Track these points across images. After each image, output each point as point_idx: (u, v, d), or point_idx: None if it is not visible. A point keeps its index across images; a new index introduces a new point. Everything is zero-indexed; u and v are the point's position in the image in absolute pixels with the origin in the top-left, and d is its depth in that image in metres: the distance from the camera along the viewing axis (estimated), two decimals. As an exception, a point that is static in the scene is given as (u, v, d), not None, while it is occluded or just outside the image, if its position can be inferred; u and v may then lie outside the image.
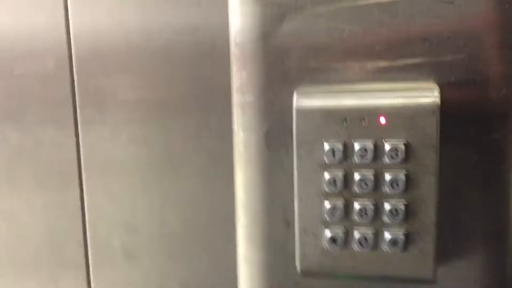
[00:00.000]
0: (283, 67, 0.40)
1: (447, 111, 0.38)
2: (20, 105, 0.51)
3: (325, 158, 0.39)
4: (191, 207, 0.50)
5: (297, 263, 0.41)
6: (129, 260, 0.52)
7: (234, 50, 0.42)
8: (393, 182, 0.38)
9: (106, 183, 0.51)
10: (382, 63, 0.39)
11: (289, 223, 0.42)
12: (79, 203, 0.52)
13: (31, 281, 0.55)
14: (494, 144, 0.39)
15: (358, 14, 0.38)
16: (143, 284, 0.52)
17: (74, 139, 0.51)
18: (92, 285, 0.54)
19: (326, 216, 0.40)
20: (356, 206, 0.39)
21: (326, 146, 0.38)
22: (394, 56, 0.39)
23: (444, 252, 0.40)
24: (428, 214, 0.38)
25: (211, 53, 0.45)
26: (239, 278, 0.47)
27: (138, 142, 0.49)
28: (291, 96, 0.39)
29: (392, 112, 0.37)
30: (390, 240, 0.39)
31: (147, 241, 0.51)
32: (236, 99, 0.43)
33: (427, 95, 0.37)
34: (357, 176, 0.38)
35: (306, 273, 0.41)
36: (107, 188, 0.51)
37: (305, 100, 0.39)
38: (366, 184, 0.38)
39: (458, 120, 0.39)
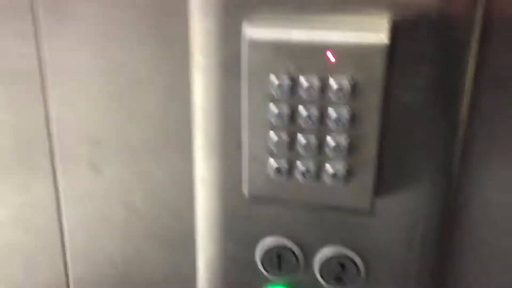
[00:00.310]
0: None
1: (399, 47, 0.38)
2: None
3: (273, 91, 0.39)
4: (151, 124, 0.51)
5: (245, 189, 0.43)
6: (95, 172, 0.54)
7: None
8: (337, 119, 0.39)
9: (70, 97, 0.52)
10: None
11: (242, 149, 0.43)
12: (43, 115, 0.53)
13: (4, 186, 0.58)
14: (446, 83, 0.39)
15: None
16: (108, 196, 0.55)
17: (35, 51, 0.51)
18: (60, 193, 0.56)
19: (272, 147, 0.41)
20: (301, 139, 0.40)
21: (274, 80, 0.39)
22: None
23: (387, 185, 0.42)
24: (370, 150, 0.39)
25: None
26: (196, 197, 0.49)
27: (100, 58, 0.50)
28: (239, 22, 0.39)
29: (341, 50, 0.37)
30: (331, 172, 0.40)
31: (111, 154, 0.53)
32: (193, 25, 0.42)
33: (377, 34, 0.36)
34: (302, 111, 0.39)
35: (253, 198, 0.44)
36: (71, 102, 0.52)
37: (255, 32, 0.38)
38: (311, 119, 0.39)
39: (411, 57, 0.39)
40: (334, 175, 0.40)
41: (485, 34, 0.39)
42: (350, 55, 0.37)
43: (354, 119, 0.39)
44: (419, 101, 0.39)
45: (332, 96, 0.38)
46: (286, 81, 0.38)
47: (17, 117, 0.54)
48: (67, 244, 0.59)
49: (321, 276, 0.46)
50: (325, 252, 0.45)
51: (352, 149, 0.40)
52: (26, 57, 0.51)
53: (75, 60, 0.50)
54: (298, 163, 0.41)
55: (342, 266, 0.45)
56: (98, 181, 0.55)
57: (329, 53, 0.37)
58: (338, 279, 0.45)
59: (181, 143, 0.50)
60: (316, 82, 0.38)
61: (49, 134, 0.54)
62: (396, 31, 0.37)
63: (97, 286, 0.60)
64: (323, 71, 0.38)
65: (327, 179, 0.41)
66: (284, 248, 0.46)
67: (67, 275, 0.60)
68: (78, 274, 0.60)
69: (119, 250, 0.57)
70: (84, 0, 0.48)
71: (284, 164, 0.41)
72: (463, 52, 0.39)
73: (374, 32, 0.37)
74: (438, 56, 0.38)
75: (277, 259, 0.46)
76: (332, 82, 0.38)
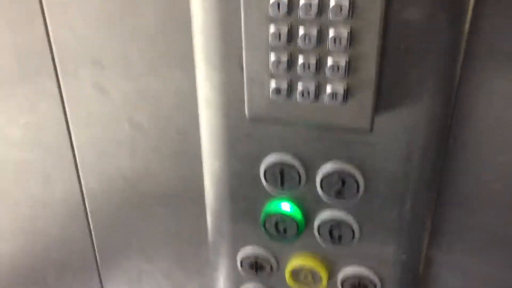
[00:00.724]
0: None
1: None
2: None
3: (271, 11, 0.38)
4: (153, 44, 0.50)
5: (246, 110, 0.44)
6: (99, 92, 0.55)
7: None
8: (336, 38, 0.38)
9: (69, 18, 0.51)
10: None
11: (243, 69, 0.43)
12: (45, 37, 0.53)
13: (12, 104, 0.59)
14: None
15: None
16: (113, 114, 0.56)
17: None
18: (67, 113, 0.57)
19: (271, 68, 0.41)
20: (300, 59, 0.40)
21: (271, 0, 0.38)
22: None
23: (386, 103, 0.42)
24: (369, 70, 0.39)
25: None
26: (200, 115, 0.50)
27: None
28: None
29: (339, -34, 0.36)
30: (331, 93, 0.40)
31: (114, 74, 0.53)
32: None
33: (376, -52, 0.35)
34: (301, 31, 0.39)
35: (253, 119, 0.44)
36: (71, 24, 0.52)
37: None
38: (310, 39, 0.39)
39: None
40: (333, 95, 0.40)
41: None
42: (349, -28, 0.36)
43: (353, 38, 0.38)
44: (419, 17, 0.38)
45: (330, 15, 0.37)
46: (284, 0, 0.37)
47: (19, 38, 0.54)
48: (78, 161, 0.61)
49: (322, 190, 0.47)
50: (326, 167, 0.46)
51: (351, 68, 0.39)
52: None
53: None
54: (298, 83, 0.41)
55: (343, 181, 0.46)
56: (103, 100, 0.55)
57: (327, -30, 0.36)
58: (338, 193, 0.47)
59: (184, 62, 0.50)
60: (314, 1, 0.37)
61: (52, 55, 0.54)
62: None
63: (110, 199, 0.63)
64: (322, -10, 0.37)
65: (326, 99, 0.41)
66: (286, 164, 0.47)
67: (81, 190, 0.63)
68: (91, 188, 0.62)
69: (128, 165, 0.59)
70: None
71: (283, 85, 0.41)
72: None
73: None
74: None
75: (280, 175, 0.48)
76: (331, 1, 0.37)
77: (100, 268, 0.69)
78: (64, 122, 0.58)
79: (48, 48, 0.53)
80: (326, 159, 0.46)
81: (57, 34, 0.52)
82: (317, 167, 0.47)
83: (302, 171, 0.47)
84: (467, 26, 0.39)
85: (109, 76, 0.53)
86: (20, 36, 0.54)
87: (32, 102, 0.58)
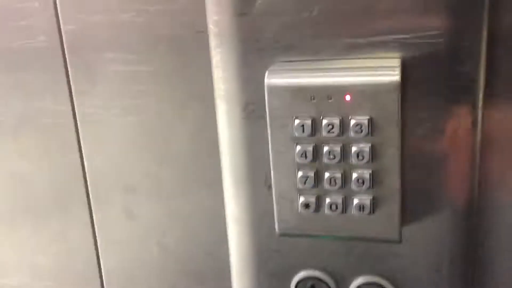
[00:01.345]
0: (257, 44, 0.42)
1: (411, 84, 0.40)
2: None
3: (296, 133, 0.41)
4: (181, 166, 0.53)
5: (276, 225, 0.45)
6: (129, 216, 0.57)
7: (211, 28, 0.44)
8: (358, 154, 0.41)
9: (104, 148, 0.55)
10: (349, 40, 0.40)
11: (270, 187, 0.46)
12: (80, 166, 0.56)
13: (43, 234, 0.61)
14: (456, 114, 0.41)
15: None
16: (142, 238, 0.57)
17: (70, 109, 0.54)
18: (98, 241, 0.59)
19: (299, 184, 0.43)
20: (326, 175, 0.42)
21: (296, 122, 0.41)
22: (361, 33, 0.40)
23: (412, 214, 0.44)
24: (393, 181, 0.41)
25: (192, 31, 0.48)
26: (228, 234, 0.51)
27: (130, 110, 0.53)
28: (263, 69, 0.42)
29: (357, 90, 0.39)
30: (358, 205, 0.42)
31: (144, 199, 0.56)
32: (216, 73, 0.45)
33: (389, 73, 0.39)
34: (325, 149, 0.41)
35: (283, 234, 0.46)
36: (105, 153, 0.55)
37: (276, 78, 0.41)
38: (334, 156, 0.41)
39: (422, 92, 0.41)
40: (361, 207, 0.42)
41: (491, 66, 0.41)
42: (366, 94, 0.39)
43: (374, 153, 0.41)
44: (433, 133, 0.41)
45: (352, 133, 0.40)
46: (308, 123, 0.41)
47: (55, 168, 0.57)
48: (105, 285, 0.61)
49: (355, 304, 0.47)
50: (357, 281, 0.47)
51: (375, 181, 0.41)
52: (61, 113, 0.54)
53: (106, 114, 0.53)
54: (325, 198, 0.43)
55: (375, 293, 0.46)
56: (132, 225, 0.57)
57: (347, 95, 0.40)
58: (372, 307, 0.47)
59: (211, 181, 0.52)
60: (336, 122, 0.40)
61: (85, 183, 0.57)
62: (407, 69, 0.40)
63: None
64: (342, 111, 0.40)
65: (354, 211, 0.43)
66: (318, 279, 0.47)
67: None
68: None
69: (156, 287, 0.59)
70: (111, 61, 0.51)
71: (311, 200, 0.43)
72: (472, 84, 0.41)
73: (386, 71, 0.39)
74: (448, 89, 0.40)
75: (311, 291, 0.48)
76: (352, 120, 0.40)
77: None
78: (93, 248, 0.59)
79: (82, 176, 0.57)
80: (357, 273, 0.46)
81: (91, 162, 0.56)
82: (348, 281, 0.47)
83: (333, 286, 0.47)
84: (478, 138, 0.42)
85: (140, 200, 0.56)
86: (56, 166, 0.57)
87: (63, 230, 0.60)
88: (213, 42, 0.44)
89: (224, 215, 0.51)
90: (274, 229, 0.46)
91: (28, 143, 0.57)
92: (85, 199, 0.57)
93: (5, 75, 0.55)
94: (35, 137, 0.57)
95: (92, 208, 0.58)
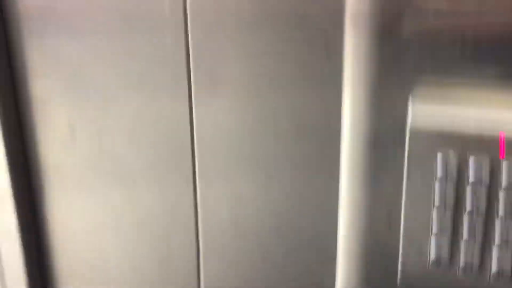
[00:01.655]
0: (398, 65, 0.40)
1: None
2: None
3: (438, 171, 0.38)
4: (293, 201, 0.50)
5: (398, 277, 0.41)
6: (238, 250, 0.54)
7: (348, 42, 0.41)
8: (507, 204, 0.36)
9: (219, 185, 0.54)
10: (502, 66, 0.37)
11: (391, 226, 0.42)
12: (192, 202, 0.55)
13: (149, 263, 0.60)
14: None
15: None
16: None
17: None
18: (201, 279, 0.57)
19: (433, 227, 0.39)
20: (465, 223, 0.38)
21: (439, 159, 0.38)
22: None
23: None
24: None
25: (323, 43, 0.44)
26: (337, 272, 0.47)
27: (242, 135, 0.51)
28: (404, 96, 0.39)
29: (513, 131, 0.36)
30: (497, 269, 0.37)
31: (254, 234, 0.53)
32: (347, 92, 0.43)
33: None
34: (469, 192, 0.37)
35: (406, 285, 0.41)
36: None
37: (421, 113, 0.38)
38: (478, 202, 0.37)
39: None
40: (500, 272, 0.37)
41: None
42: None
43: (529, 205, 0.36)
44: None
45: (503, 178, 0.36)
46: (453, 160, 0.37)
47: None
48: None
49: None
50: None
51: (526, 239, 0.36)
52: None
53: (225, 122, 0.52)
54: (460, 252, 0.38)
55: None
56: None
57: (501, 135, 0.36)
58: None
59: (324, 220, 0.49)
60: (485, 163, 0.36)
61: (196, 219, 0.56)
62: None
63: None
64: (493, 151, 0.36)
65: (492, 274, 0.37)
66: None
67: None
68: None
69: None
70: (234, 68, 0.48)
71: (444, 250, 0.38)
72: None
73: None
74: None
75: None
76: (504, 163, 0.36)
77: None
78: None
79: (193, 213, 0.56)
80: None
81: (205, 198, 0.55)
82: None
83: None
84: None
85: (247, 237, 0.53)
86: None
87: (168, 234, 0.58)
88: (348, 58, 0.41)
89: (333, 253, 0.47)
90: (390, 272, 0.41)
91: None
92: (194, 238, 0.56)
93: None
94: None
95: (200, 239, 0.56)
